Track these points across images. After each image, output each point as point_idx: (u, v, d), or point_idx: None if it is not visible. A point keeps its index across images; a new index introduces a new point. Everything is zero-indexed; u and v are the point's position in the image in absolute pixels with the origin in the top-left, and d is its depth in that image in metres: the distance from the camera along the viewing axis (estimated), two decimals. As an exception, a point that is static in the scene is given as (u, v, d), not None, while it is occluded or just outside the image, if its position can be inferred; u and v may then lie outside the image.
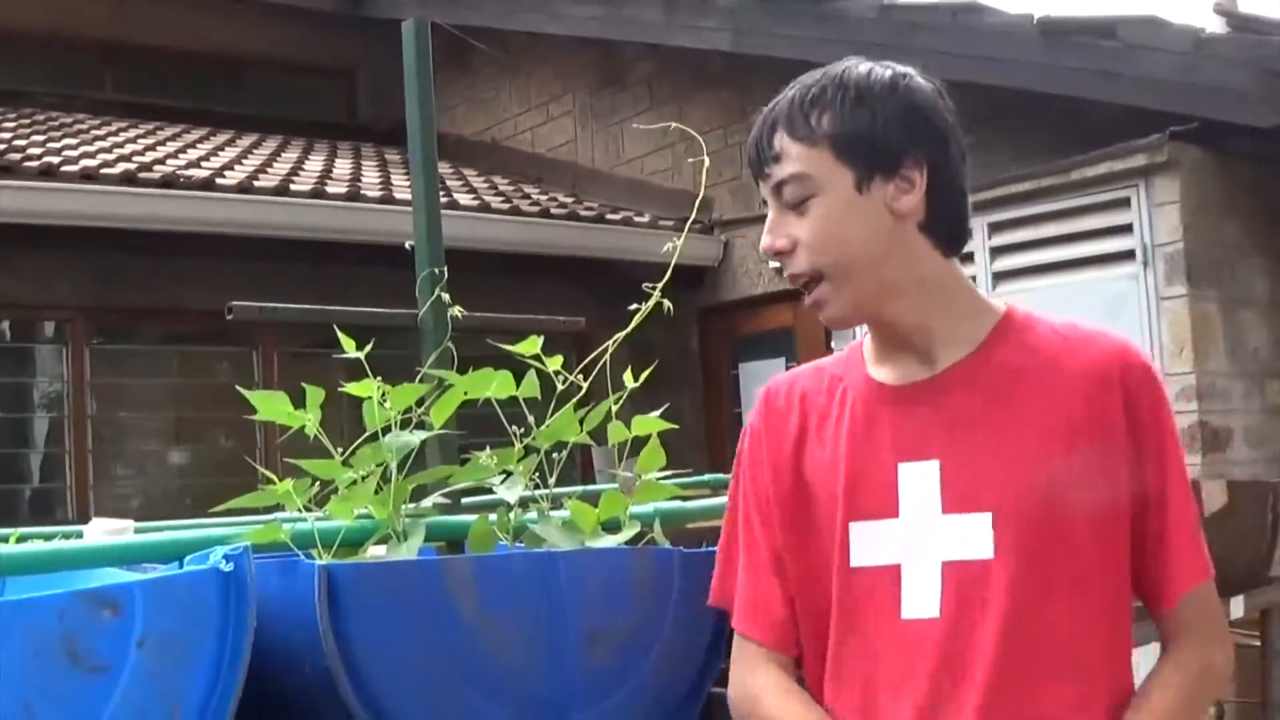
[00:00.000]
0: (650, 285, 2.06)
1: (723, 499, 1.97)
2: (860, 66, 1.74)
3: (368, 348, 2.01)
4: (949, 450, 1.70)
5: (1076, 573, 1.66)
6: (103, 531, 2.23)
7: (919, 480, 1.71)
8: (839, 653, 1.74)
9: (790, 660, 1.82)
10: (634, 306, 2.08)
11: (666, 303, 2.08)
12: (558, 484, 2.04)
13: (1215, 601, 1.79)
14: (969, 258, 6.66)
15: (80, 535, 2.27)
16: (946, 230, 1.75)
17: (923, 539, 1.69)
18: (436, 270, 2.41)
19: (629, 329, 2.07)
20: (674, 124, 1.77)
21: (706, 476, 3.72)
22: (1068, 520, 1.65)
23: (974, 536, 1.66)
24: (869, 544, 1.72)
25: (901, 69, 1.75)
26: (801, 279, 1.73)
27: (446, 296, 2.29)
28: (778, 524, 1.81)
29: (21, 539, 2.31)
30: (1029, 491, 1.65)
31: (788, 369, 2.36)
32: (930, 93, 1.74)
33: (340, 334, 2.04)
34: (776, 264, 1.76)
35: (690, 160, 8.75)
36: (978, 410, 1.71)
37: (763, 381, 1.97)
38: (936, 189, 1.71)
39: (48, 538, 2.33)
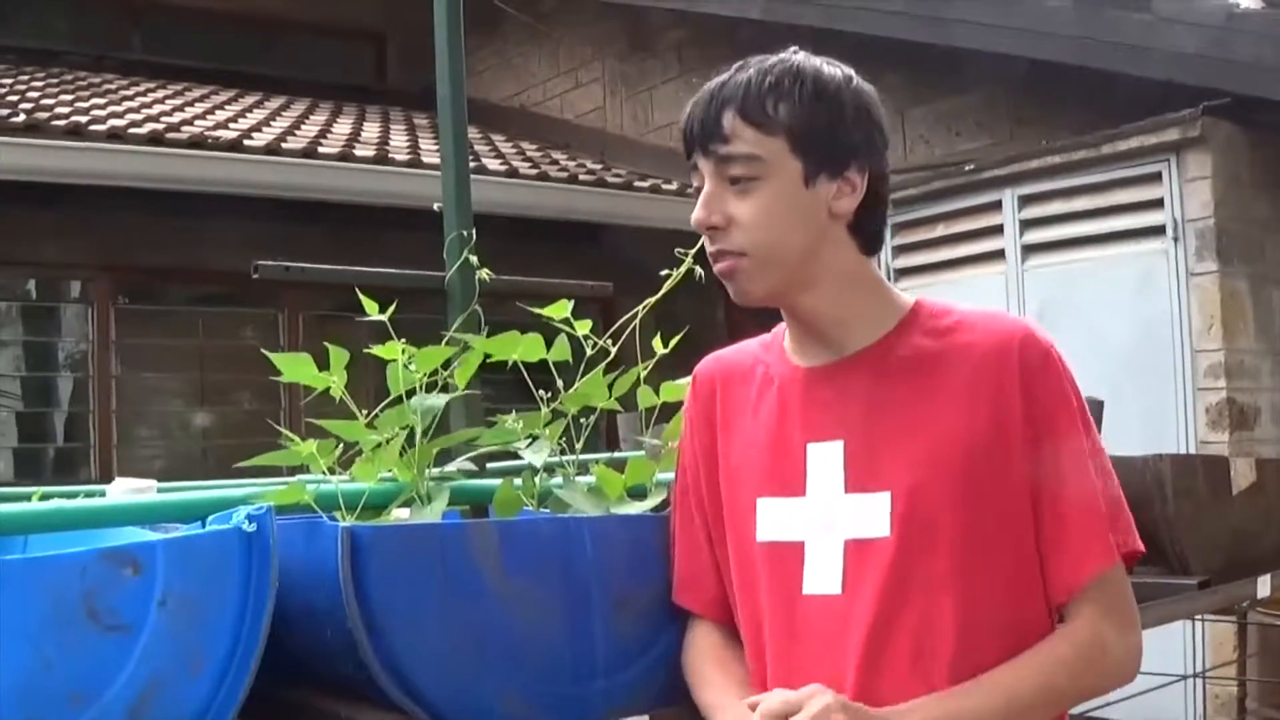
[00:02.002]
0: (682, 251, 2.04)
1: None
2: (811, 60, 1.74)
3: (390, 309, 2.00)
4: (853, 431, 1.72)
5: (977, 553, 1.65)
6: (125, 491, 2.22)
7: (825, 460, 1.73)
8: (742, 624, 1.79)
9: (729, 626, 1.84)
10: (665, 272, 2.06)
11: (698, 269, 2.06)
12: (584, 450, 2.03)
13: (1123, 584, 1.74)
14: (998, 230, 6.62)
15: (103, 495, 2.27)
16: (872, 233, 1.78)
17: (826, 517, 1.70)
18: (464, 233, 2.39)
19: (661, 293, 2.06)
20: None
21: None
22: (968, 500, 1.65)
23: (873, 515, 1.67)
24: (775, 520, 1.75)
25: (847, 70, 1.76)
26: (727, 257, 1.72)
27: (474, 259, 2.28)
28: (707, 502, 1.85)
29: (44, 497, 2.30)
30: (927, 471, 1.66)
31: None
32: (876, 99, 1.77)
33: (362, 296, 2.03)
34: (706, 240, 1.75)
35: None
36: (882, 392, 1.72)
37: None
38: (871, 195, 1.74)
39: (70, 496, 2.33)
